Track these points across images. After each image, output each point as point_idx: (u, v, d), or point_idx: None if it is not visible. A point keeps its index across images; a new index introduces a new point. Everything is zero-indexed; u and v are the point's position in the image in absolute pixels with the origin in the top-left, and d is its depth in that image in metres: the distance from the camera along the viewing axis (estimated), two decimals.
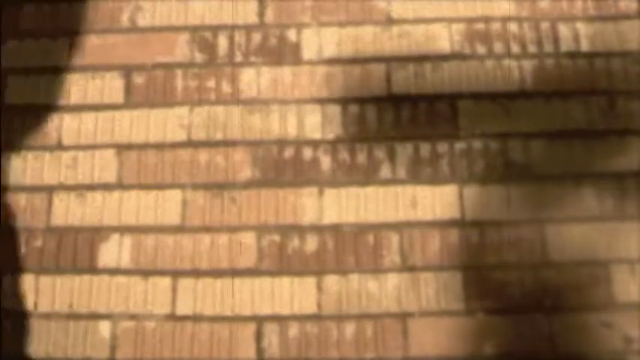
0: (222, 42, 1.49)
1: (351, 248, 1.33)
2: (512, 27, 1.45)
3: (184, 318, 1.33)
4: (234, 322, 1.32)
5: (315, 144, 1.40)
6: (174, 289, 1.35)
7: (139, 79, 1.48)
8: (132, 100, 1.47)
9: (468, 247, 1.32)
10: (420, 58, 1.45)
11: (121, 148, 1.44)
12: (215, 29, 1.50)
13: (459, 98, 1.41)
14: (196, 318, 1.33)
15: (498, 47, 1.44)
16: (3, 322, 1.35)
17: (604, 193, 1.34)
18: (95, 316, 1.35)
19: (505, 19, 1.46)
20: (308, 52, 1.47)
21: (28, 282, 1.37)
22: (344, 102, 1.42)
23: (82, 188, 1.42)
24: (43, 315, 1.36)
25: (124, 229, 1.39)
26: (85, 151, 1.44)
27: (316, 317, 1.30)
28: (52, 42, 1.51)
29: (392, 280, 1.31)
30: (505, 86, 1.41)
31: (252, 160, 1.40)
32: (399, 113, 1.40)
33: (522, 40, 1.44)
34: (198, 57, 1.48)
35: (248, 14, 1.50)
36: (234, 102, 1.45)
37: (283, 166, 1.40)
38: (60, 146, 1.45)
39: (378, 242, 1.33)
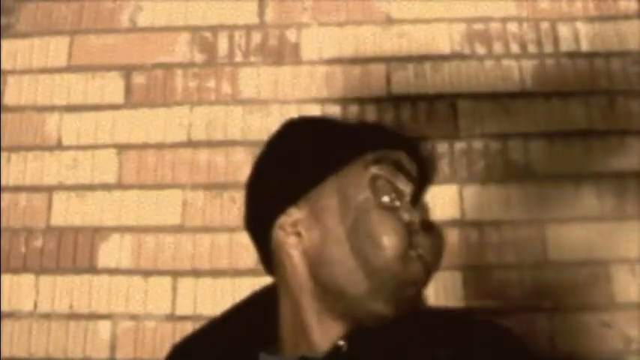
0: (222, 42, 1.49)
1: None
2: (512, 27, 1.45)
3: (184, 318, 1.33)
4: None
5: None
6: (174, 289, 1.35)
7: (139, 79, 1.48)
8: (132, 100, 1.47)
9: (467, 247, 1.32)
10: (420, 58, 1.44)
11: (121, 148, 1.44)
12: (215, 29, 1.50)
13: (459, 98, 1.41)
14: (196, 318, 1.33)
15: (498, 47, 1.44)
16: (3, 322, 1.35)
17: (604, 193, 1.34)
18: (95, 316, 1.35)
19: (505, 19, 1.46)
20: (308, 52, 1.47)
21: (28, 282, 1.38)
22: (344, 102, 1.42)
23: (82, 188, 1.42)
24: (43, 315, 1.36)
25: (124, 229, 1.39)
26: (85, 151, 1.44)
27: None
28: (52, 42, 1.51)
29: None
30: (505, 86, 1.41)
31: (252, 160, 1.40)
32: (398, 113, 1.40)
33: (522, 40, 1.44)
34: (198, 57, 1.48)
35: (248, 14, 1.50)
36: (234, 102, 1.45)
37: None
38: (60, 146, 1.45)
39: None
